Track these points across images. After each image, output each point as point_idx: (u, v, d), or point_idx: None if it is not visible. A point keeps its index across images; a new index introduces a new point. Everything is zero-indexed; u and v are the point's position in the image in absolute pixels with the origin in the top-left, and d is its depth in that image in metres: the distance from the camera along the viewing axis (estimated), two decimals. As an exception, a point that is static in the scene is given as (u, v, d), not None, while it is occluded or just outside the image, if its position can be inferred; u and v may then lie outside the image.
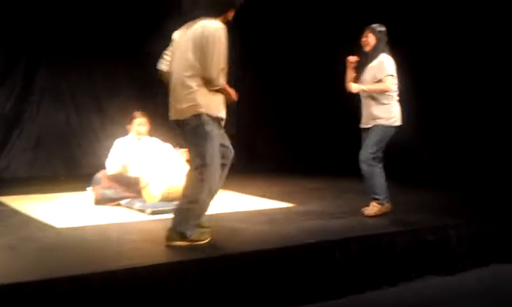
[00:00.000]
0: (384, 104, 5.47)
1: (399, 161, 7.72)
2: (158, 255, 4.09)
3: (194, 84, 4.23)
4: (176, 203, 5.52)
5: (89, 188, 6.12)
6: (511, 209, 6.14)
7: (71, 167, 8.21)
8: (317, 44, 9.54)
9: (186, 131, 4.31)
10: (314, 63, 9.56)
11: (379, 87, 5.43)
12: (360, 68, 5.57)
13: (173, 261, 3.91)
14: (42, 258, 3.94)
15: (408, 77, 5.96)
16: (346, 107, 6.88)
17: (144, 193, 5.80)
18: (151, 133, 6.33)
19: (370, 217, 5.41)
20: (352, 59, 5.54)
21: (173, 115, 4.39)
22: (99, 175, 6.10)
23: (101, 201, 5.89)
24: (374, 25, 5.51)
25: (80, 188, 6.39)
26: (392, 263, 4.70)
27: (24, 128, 8.05)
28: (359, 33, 5.62)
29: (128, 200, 5.83)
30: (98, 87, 8.46)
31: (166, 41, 4.57)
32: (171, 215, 4.96)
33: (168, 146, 6.24)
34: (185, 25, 4.42)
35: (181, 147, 5.84)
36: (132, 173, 6.00)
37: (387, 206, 5.52)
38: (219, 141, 4.33)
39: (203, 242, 4.35)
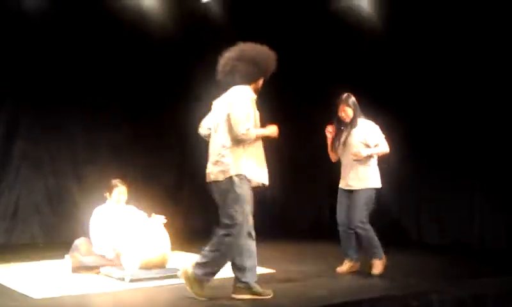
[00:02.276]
0: (371, 166, 5.81)
1: (383, 223, 7.73)
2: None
3: (228, 146, 4.59)
4: (156, 270, 5.52)
5: (67, 256, 6.03)
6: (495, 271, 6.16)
7: (49, 234, 8.09)
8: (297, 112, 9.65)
9: (219, 193, 4.64)
10: (289, 125, 9.63)
11: (383, 150, 5.82)
12: (337, 134, 5.93)
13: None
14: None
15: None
16: (322, 169, 6.97)
17: (123, 261, 5.71)
18: (128, 200, 6.28)
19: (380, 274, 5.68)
20: (331, 128, 5.92)
21: (209, 177, 4.71)
22: (78, 242, 6.02)
23: (79, 269, 5.79)
24: (345, 98, 5.84)
25: (59, 256, 6.29)
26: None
27: (2, 196, 7.95)
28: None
29: (107, 268, 5.74)
30: (77, 152, 8.42)
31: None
32: (150, 284, 4.91)
33: (142, 214, 6.19)
34: (223, 95, 4.81)
35: (155, 214, 5.87)
36: (119, 247, 5.87)
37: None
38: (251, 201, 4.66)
39: (268, 296, 4.71)
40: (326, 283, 5.50)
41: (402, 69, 8.40)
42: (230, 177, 4.56)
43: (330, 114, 6.01)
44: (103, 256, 5.91)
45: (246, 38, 4.88)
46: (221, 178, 4.60)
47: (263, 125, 4.81)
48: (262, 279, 5.62)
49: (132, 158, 8.40)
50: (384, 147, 5.83)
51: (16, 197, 8.01)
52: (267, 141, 4.88)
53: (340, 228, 5.87)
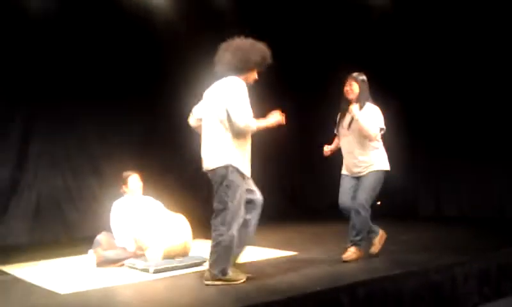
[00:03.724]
0: (379, 149, 5.61)
1: (395, 200, 7.73)
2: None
3: (222, 136, 4.66)
4: (179, 259, 5.57)
5: (90, 251, 6.09)
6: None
7: (71, 230, 8.15)
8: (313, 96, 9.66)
9: (215, 181, 4.70)
10: (304, 110, 9.66)
11: (369, 131, 5.44)
12: (343, 112, 5.73)
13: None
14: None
15: (397, 118, 6.01)
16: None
17: (146, 252, 5.76)
18: (144, 191, 6.32)
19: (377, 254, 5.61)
20: (327, 149, 5.85)
21: (204, 165, 4.80)
22: (100, 237, 6.07)
23: (103, 263, 5.84)
24: (355, 74, 5.64)
25: (82, 252, 6.35)
26: (401, 305, 4.66)
27: (22, 196, 8.03)
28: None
29: (130, 260, 5.79)
30: (93, 147, 8.47)
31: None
32: (174, 273, 4.93)
33: (160, 204, 6.23)
34: (213, 85, 4.87)
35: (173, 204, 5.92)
36: (141, 237, 5.92)
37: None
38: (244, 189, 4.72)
39: (239, 281, 4.73)
40: (348, 262, 5.50)
41: (408, 49, 8.38)
42: (224, 166, 4.64)
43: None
44: (125, 249, 5.96)
45: (249, 25, 4.87)
46: (215, 166, 4.68)
47: (264, 116, 4.81)
48: (285, 262, 5.68)
49: (149, 150, 8.43)
50: (373, 130, 5.45)
51: (37, 196, 8.08)
52: (273, 131, 4.89)
53: (343, 214, 5.64)
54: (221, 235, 4.64)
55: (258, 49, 4.81)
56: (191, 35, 8.70)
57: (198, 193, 8.44)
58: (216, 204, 4.71)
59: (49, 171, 8.17)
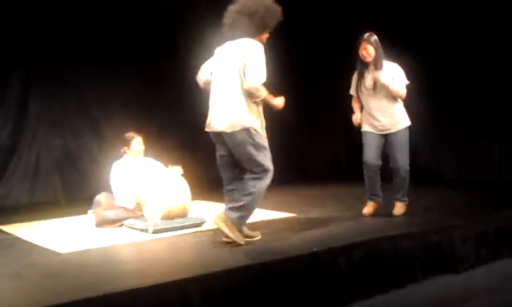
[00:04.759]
0: (400, 104, 5.75)
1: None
2: (164, 274, 4.06)
3: (241, 98, 4.61)
4: (178, 219, 5.59)
5: (90, 211, 6.11)
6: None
7: (71, 191, 8.18)
8: (310, 55, 9.59)
9: (237, 143, 4.64)
10: (307, 73, 9.61)
11: (400, 92, 5.66)
12: (361, 74, 5.76)
13: (179, 279, 3.87)
14: (47, 285, 3.92)
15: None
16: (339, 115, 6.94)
17: (144, 209, 5.78)
18: (145, 152, 6.32)
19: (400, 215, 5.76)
20: (356, 118, 5.83)
21: (219, 126, 4.69)
22: (99, 197, 6.09)
23: (102, 223, 5.87)
24: (368, 36, 5.64)
25: (82, 212, 6.39)
26: (398, 265, 4.69)
27: (22, 157, 8.03)
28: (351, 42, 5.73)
29: (130, 220, 5.82)
30: (93, 109, 8.45)
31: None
32: (173, 233, 4.95)
33: (160, 165, 6.23)
34: (227, 43, 4.81)
35: (172, 165, 5.90)
36: (140, 196, 5.94)
37: None
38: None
39: (258, 237, 4.88)
40: (347, 224, 5.54)
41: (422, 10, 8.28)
42: (247, 128, 4.61)
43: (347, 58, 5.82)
44: (125, 208, 5.98)
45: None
46: (237, 128, 4.61)
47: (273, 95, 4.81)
48: (284, 224, 5.71)
49: (148, 111, 8.41)
50: (402, 90, 5.67)
51: (36, 156, 8.08)
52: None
53: (368, 170, 5.76)
54: (254, 186, 4.66)
55: (273, 11, 4.75)
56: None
57: (197, 154, 8.44)
58: (251, 168, 4.69)
59: (49, 132, 8.17)
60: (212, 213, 5.01)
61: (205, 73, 4.94)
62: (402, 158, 5.71)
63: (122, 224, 5.86)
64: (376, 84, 5.65)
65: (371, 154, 5.75)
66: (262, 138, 4.70)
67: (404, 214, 5.74)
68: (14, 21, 7.82)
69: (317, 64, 9.61)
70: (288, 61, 8.97)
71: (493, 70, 7.74)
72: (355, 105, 5.91)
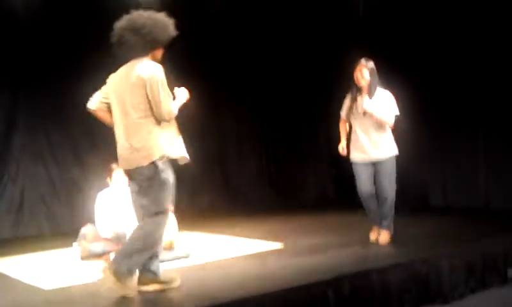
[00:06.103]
0: (388, 132, 5.76)
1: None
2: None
3: (145, 130, 4.26)
4: (164, 253, 5.52)
5: (75, 244, 6.03)
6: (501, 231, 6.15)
7: (56, 224, 8.07)
8: (296, 82, 9.63)
9: (141, 180, 4.32)
10: (294, 99, 9.63)
11: (386, 120, 5.66)
12: (354, 98, 5.78)
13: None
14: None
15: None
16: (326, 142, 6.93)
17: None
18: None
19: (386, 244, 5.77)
20: (343, 148, 5.87)
21: (124, 164, 4.42)
22: (85, 230, 6.02)
23: (88, 256, 5.79)
24: (364, 61, 5.69)
25: (67, 245, 6.29)
26: (387, 299, 4.64)
27: (6, 190, 7.92)
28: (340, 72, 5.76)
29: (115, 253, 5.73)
30: (77, 139, 8.35)
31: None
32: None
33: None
34: (120, 69, 4.45)
35: None
36: (119, 228, 5.87)
37: None
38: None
39: (176, 285, 4.47)
40: (335, 254, 5.50)
41: (411, 29, 8.33)
42: (153, 162, 4.25)
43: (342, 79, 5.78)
44: (110, 241, 5.89)
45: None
46: (143, 163, 4.26)
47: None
48: (271, 254, 5.66)
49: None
50: (388, 118, 5.65)
51: (21, 189, 7.98)
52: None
53: (364, 199, 5.80)
54: (151, 224, 4.34)
55: (163, 25, 4.37)
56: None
57: (182, 184, 8.35)
58: (149, 206, 4.33)
59: (33, 164, 8.05)
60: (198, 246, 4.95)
61: (96, 103, 4.58)
62: (389, 187, 5.72)
63: (108, 258, 5.78)
64: (364, 110, 5.66)
65: (362, 184, 5.79)
66: (170, 172, 4.36)
67: (391, 242, 5.75)
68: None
69: (303, 90, 9.61)
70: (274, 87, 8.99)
71: (481, 97, 7.75)
72: (342, 130, 5.94)
